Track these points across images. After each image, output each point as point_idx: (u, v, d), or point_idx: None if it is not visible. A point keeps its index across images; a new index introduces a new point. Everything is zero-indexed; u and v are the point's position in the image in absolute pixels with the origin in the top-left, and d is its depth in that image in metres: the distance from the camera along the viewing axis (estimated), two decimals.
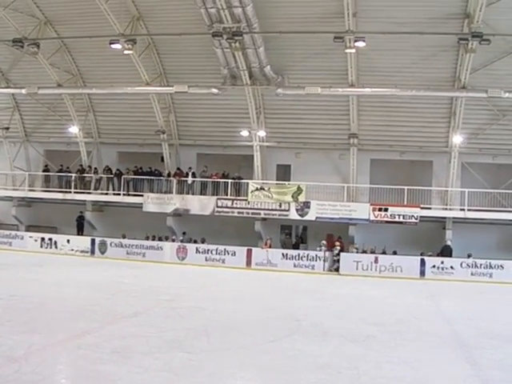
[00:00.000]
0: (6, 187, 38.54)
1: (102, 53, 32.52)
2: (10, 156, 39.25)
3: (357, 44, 27.01)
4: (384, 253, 31.47)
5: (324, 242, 31.95)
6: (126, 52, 30.04)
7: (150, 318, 17.26)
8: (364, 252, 31.57)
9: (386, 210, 30.95)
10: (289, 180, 34.18)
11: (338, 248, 31.35)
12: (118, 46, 29.69)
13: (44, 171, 38.52)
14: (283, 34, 29.22)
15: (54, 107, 36.91)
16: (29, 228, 38.43)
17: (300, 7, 28.64)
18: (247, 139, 33.89)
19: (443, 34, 27.54)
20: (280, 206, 32.29)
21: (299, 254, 31.63)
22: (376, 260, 30.40)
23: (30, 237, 36.23)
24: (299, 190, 32.14)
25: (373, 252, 31.37)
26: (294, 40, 29.91)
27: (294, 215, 32.19)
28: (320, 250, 31.42)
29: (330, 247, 31.67)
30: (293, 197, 32.11)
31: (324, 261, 30.97)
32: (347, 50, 27.70)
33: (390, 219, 31.04)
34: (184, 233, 34.74)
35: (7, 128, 38.32)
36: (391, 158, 33.43)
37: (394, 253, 31.45)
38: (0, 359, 11.79)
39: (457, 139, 31.35)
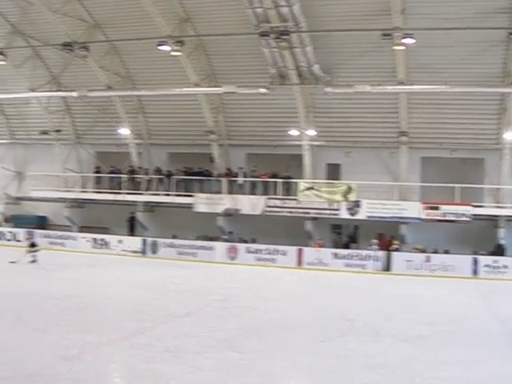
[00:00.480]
0: (59, 189, 39.23)
1: (150, 54, 32.89)
2: (61, 158, 40.00)
3: (405, 41, 26.79)
4: (436, 252, 31.27)
5: (375, 240, 31.92)
6: (173, 53, 30.36)
7: (202, 318, 17.56)
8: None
9: (437, 208, 30.81)
10: (338, 179, 34.21)
11: (396, 247, 31.31)
12: (165, 48, 30.01)
13: (95, 173, 39.26)
14: (331, 33, 29.26)
15: (104, 109, 37.51)
16: (81, 229, 39.23)
17: (347, 5, 28.73)
18: (296, 138, 34.01)
19: (492, 28, 27.36)
20: (330, 205, 32.34)
21: (350, 254, 31.71)
22: (428, 259, 30.32)
23: (83, 237, 37.09)
24: (350, 189, 32.16)
25: (424, 251, 31.19)
26: (341, 38, 29.94)
27: (344, 214, 32.24)
28: (371, 249, 31.39)
29: (383, 246, 31.62)
30: (343, 196, 32.13)
31: (375, 260, 30.94)
32: (395, 47, 27.55)
33: (441, 218, 30.87)
34: (230, 232, 35.05)
35: (59, 130, 39.08)
36: (442, 155, 33.18)
37: (446, 252, 31.28)
38: (54, 358, 12.13)
39: (509, 136, 31.03)
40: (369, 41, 28.83)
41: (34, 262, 28.96)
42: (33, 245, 29.99)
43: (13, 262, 28.37)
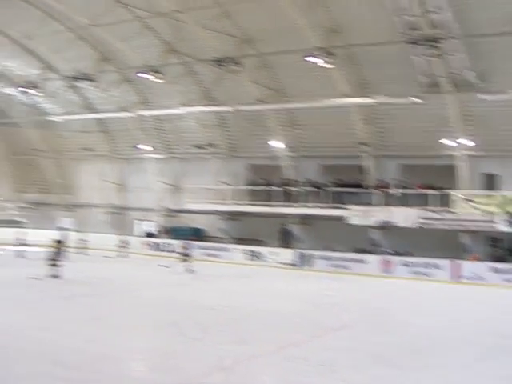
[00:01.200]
0: (213, 201, 40.62)
1: (300, 67, 33.46)
2: (215, 171, 41.46)
3: None
4: None
5: None
6: (323, 65, 30.72)
7: (356, 332, 17.89)
8: None
9: None
10: (495, 190, 33.19)
11: None
12: (314, 60, 30.43)
13: (248, 185, 40.33)
14: (485, 38, 28.64)
15: (256, 122, 38.50)
16: (235, 240, 40.55)
17: (500, 8, 27.72)
18: (450, 148, 33.37)
19: None
20: (487, 217, 31.47)
21: (510, 268, 30.75)
22: None
23: (237, 249, 38.46)
24: (508, 201, 31.15)
25: None
26: (496, 43, 29.08)
27: (502, 227, 31.27)
28: None
29: None
30: (502, 208, 31.19)
31: None
32: None
33: None
34: (375, 244, 34.88)
35: (212, 144, 40.44)
36: None
37: None
38: (209, 368, 12.85)
39: None
40: None
41: (189, 271, 30.47)
42: (186, 255, 31.47)
43: (164, 266, 30.01)
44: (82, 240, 41.38)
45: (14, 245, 37.02)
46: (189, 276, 30.18)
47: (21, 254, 35.62)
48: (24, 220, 49.85)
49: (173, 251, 36.80)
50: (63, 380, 11.72)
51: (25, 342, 14.59)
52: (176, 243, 38.75)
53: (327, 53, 30.31)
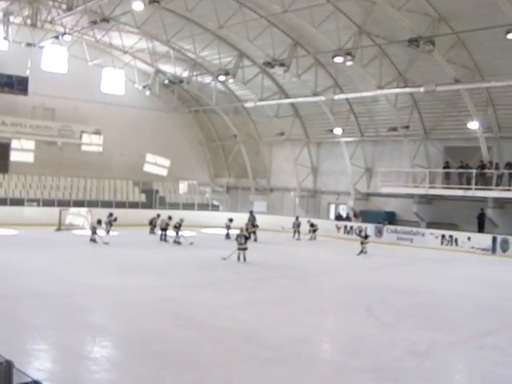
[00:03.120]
0: (407, 185, 40.95)
1: (498, 44, 32.86)
2: (410, 154, 41.76)
3: None
4: None
5: None
6: None
7: None
8: None
9: None
10: None
11: None
12: None
13: (444, 168, 40.25)
14: None
15: (451, 103, 38.38)
16: (429, 225, 40.73)
17: None
18: None
19: None
20: None
21: None
22: None
23: (431, 233, 38.59)
24: None
25: None
26: None
27: None
28: None
29: None
30: None
31: None
32: None
33: None
34: None
35: (407, 127, 40.69)
36: None
37: None
38: (402, 353, 13.49)
39: None
40: None
41: (364, 252, 31.99)
42: (366, 237, 32.64)
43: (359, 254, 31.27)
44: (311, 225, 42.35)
45: (223, 228, 39.12)
46: (379, 260, 31.04)
47: (228, 236, 37.52)
48: (219, 204, 52.71)
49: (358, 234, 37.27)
50: (254, 358, 12.69)
51: (217, 320, 15.74)
52: (367, 226, 39.53)
53: None
